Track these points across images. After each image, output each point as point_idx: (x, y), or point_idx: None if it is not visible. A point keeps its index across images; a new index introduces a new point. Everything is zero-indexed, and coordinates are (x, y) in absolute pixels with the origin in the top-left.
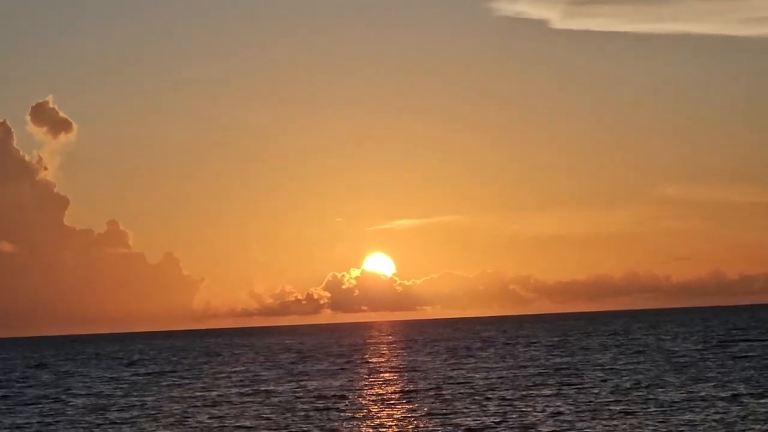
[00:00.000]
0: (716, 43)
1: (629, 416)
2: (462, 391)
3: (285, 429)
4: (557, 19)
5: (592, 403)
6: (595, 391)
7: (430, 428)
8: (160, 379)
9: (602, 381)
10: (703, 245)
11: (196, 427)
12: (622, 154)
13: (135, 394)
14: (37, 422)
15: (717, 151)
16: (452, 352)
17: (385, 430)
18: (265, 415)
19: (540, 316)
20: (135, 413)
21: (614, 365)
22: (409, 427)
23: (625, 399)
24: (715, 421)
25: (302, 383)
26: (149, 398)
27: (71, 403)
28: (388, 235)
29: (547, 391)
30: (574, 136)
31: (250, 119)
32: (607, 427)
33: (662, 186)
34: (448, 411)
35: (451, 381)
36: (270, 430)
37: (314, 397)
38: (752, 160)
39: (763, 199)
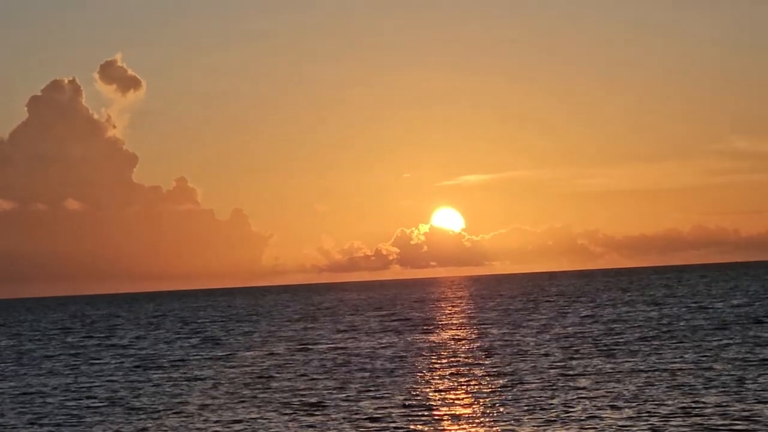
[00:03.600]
0: None
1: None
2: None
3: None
4: None
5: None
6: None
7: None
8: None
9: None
10: None
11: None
12: (690, 107)
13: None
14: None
15: None
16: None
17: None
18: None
19: (609, 270)
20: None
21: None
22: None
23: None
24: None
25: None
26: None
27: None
28: (456, 191)
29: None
30: (640, 90)
31: (319, 75)
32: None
33: (730, 138)
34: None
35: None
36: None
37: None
38: None
39: None
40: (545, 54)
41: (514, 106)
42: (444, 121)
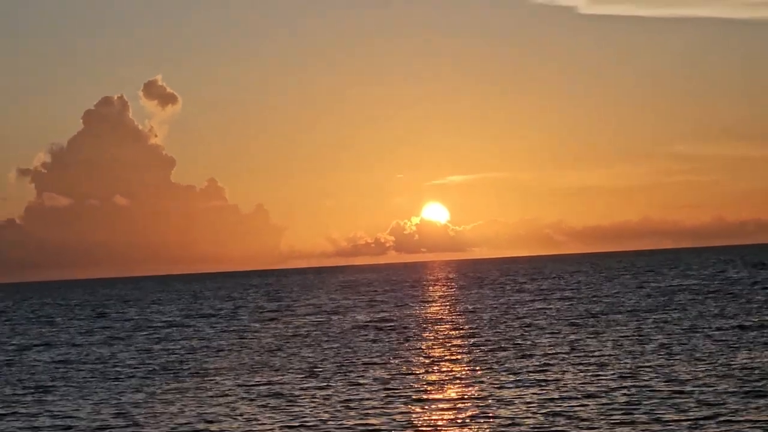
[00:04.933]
0: (717, 24)
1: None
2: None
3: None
4: (583, 5)
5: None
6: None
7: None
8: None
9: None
10: (707, 195)
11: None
12: (641, 118)
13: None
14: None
15: (718, 114)
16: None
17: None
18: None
19: (570, 255)
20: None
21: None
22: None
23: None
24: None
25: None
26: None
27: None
28: (443, 189)
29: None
30: (598, 104)
31: (324, 88)
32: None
33: (673, 144)
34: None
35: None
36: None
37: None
38: (746, 121)
39: (756, 154)
40: (519, 74)
41: (493, 118)
42: (432, 131)
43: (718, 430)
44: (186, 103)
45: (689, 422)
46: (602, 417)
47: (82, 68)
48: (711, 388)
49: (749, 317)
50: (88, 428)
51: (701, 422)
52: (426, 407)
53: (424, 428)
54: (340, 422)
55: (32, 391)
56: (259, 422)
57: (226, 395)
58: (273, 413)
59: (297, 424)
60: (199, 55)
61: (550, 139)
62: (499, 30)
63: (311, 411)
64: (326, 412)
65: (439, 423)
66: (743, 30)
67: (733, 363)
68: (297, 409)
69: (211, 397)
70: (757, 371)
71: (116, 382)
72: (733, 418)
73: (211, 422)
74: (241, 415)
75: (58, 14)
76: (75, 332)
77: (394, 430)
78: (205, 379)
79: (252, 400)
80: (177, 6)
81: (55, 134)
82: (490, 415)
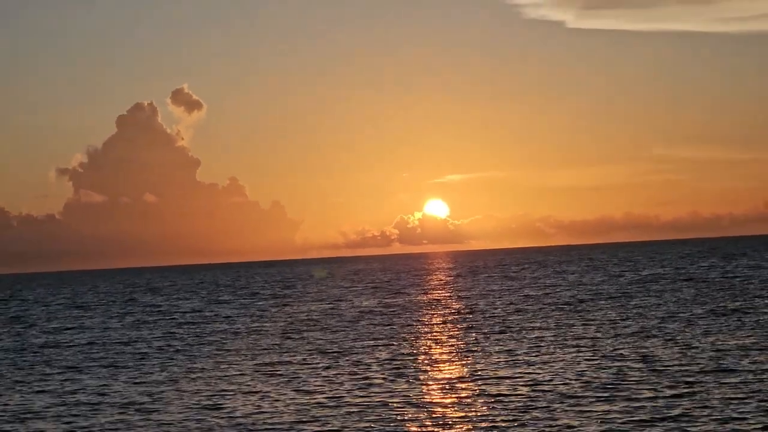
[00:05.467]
0: (693, 37)
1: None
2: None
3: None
4: (571, 20)
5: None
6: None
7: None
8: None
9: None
10: (682, 192)
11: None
12: (622, 124)
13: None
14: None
15: (692, 121)
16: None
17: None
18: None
19: (558, 246)
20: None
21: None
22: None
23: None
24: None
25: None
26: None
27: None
28: (443, 187)
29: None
30: (584, 110)
31: (333, 96)
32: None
33: (652, 147)
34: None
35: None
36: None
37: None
38: (716, 127)
39: (726, 156)
40: (512, 83)
41: (488, 124)
42: (433, 135)
43: (691, 405)
44: (210, 109)
45: (665, 399)
46: (584, 394)
47: (116, 77)
48: (685, 368)
49: (721, 303)
50: (116, 404)
51: (676, 399)
52: (425, 385)
53: (424, 403)
54: (345, 398)
55: (65, 370)
56: (272, 398)
57: (242, 374)
58: (284, 390)
59: (307, 399)
60: (222, 66)
61: (541, 142)
62: (495, 43)
63: (320, 387)
64: (333, 389)
65: (438, 399)
66: (716, 42)
67: (705, 344)
68: (307, 386)
69: (228, 375)
70: (727, 352)
71: (142, 362)
72: (705, 396)
73: (227, 398)
74: (255, 392)
75: (95, 29)
76: (106, 317)
77: (396, 405)
78: (224, 359)
79: (266, 378)
80: (202, 23)
81: (92, 137)
82: (484, 392)
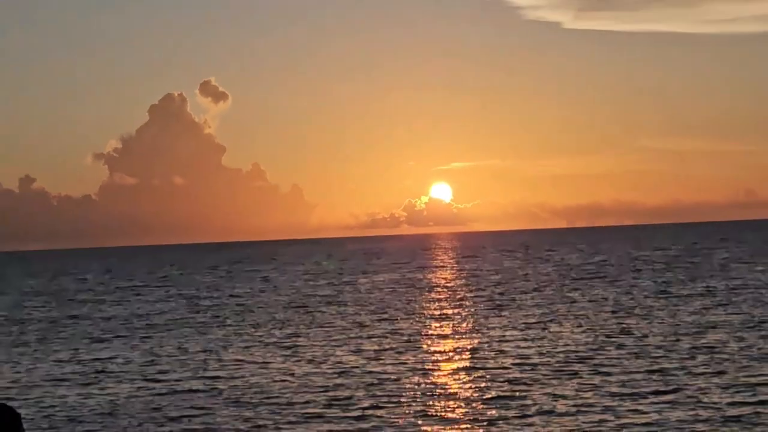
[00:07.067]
0: (679, 37)
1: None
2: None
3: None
4: (568, 21)
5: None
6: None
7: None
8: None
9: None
10: (666, 180)
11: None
12: (612, 117)
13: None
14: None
15: (676, 114)
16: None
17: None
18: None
19: (552, 229)
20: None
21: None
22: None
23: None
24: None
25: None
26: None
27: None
28: (447, 173)
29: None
30: (577, 104)
31: (349, 91)
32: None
33: (639, 139)
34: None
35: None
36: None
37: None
38: (698, 121)
39: (706, 147)
40: (513, 79)
41: (490, 115)
42: (438, 126)
43: (673, 379)
44: (235, 100)
45: (650, 372)
46: (574, 367)
47: (148, 70)
48: (668, 342)
49: (703, 283)
50: (139, 372)
51: (658, 373)
52: (430, 357)
53: (429, 372)
54: (353, 367)
55: (91, 341)
56: (283, 370)
57: (257, 344)
58: (294, 360)
59: (314, 369)
60: (246, 60)
61: (538, 134)
62: (495, 43)
63: (328, 358)
64: (341, 359)
65: (442, 369)
66: (702, 42)
67: (687, 321)
68: (315, 357)
69: (244, 348)
70: (708, 329)
71: (163, 333)
72: (688, 370)
73: (241, 369)
74: (265, 363)
75: (127, 25)
76: (132, 292)
77: (402, 375)
78: (241, 331)
79: (276, 349)
80: (228, 21)
81: (125, 125)
82: (482, 365)
